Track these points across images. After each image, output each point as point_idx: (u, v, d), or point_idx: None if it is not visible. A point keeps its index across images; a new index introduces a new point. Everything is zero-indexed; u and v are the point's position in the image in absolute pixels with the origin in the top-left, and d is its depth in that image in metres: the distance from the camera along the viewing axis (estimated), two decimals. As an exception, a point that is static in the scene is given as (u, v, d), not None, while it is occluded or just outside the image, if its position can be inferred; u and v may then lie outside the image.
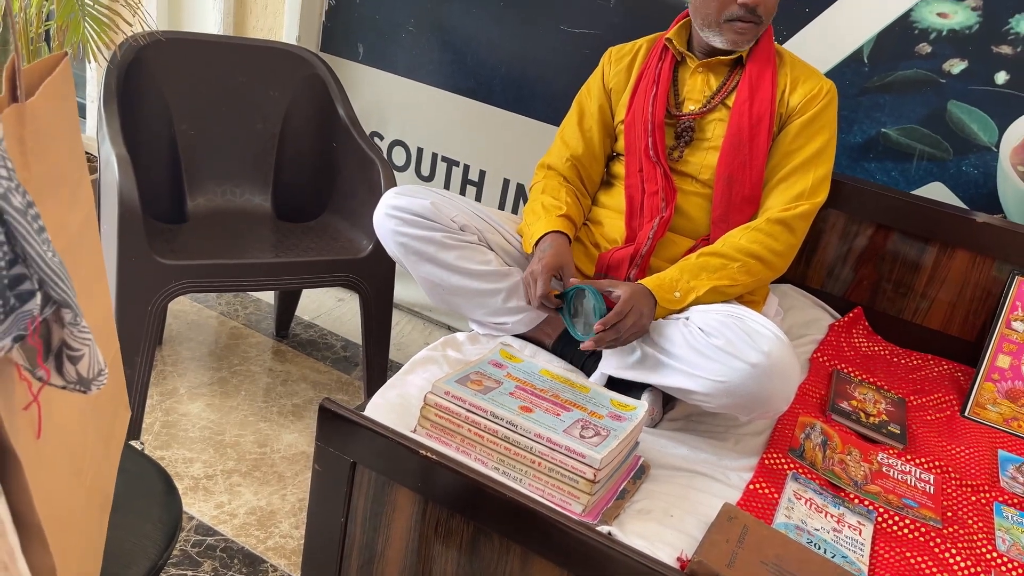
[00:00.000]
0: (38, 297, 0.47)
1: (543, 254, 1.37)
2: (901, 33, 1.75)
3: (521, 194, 2.27)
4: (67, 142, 0.63)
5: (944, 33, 1.72)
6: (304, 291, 2.36)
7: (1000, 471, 1.37)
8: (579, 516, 1.02)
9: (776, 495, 1.17)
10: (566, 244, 1.41)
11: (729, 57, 1.48)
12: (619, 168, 1.55)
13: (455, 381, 1.12)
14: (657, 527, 1.06)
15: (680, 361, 1.23)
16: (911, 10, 1.74)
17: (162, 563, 0.91)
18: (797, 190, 1.42)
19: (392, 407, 1.19)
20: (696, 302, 1.32)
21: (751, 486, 1.18)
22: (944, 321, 1.69)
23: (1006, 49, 1.68)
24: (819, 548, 1.08)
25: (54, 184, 0.60)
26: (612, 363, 1.32)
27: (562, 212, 1.46)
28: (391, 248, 1.44)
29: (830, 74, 1.83)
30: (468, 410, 1.08)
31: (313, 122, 2.06)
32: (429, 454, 1.02)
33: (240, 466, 1.77)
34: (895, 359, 1.67)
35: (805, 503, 1.16)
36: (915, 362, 1.66)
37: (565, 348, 1.44)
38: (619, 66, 1.58)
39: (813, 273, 1.78)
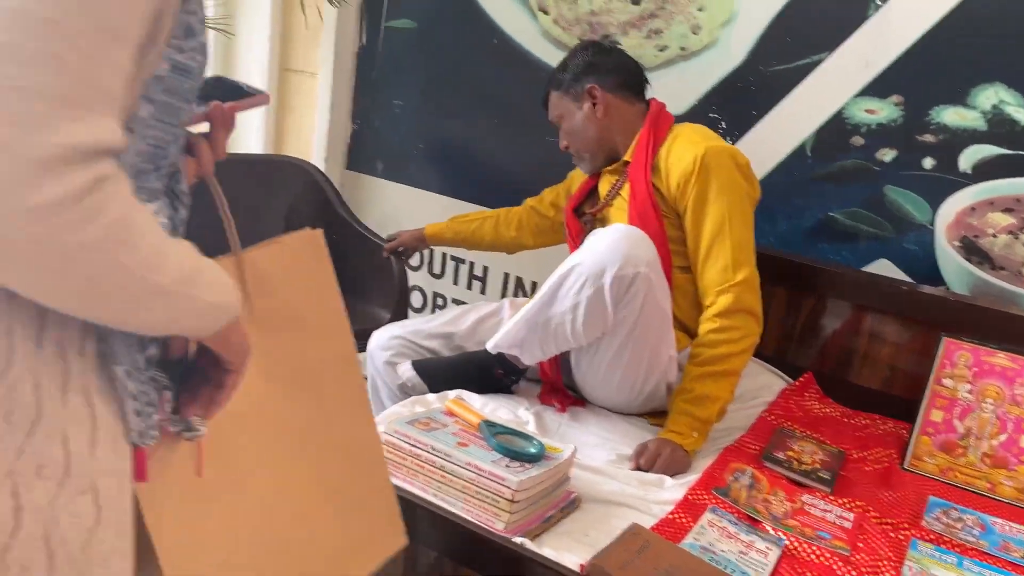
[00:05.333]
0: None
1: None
2: (836, 128, 1.97)
3: (520, 286, 2.50)
4: (301, 287, 0.85)
5: (874, 127, 1.93)
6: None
7: (926, 512, 1.47)
8: (500, 532, 1.19)
9: (691, 523, 1.31)
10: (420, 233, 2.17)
11: (615, 164, 1.82)
12: None
13: (405, 423, 1.32)
14: (570, 542, 1.21)
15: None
16: (843, 108, 1.96)
17: None
18: (721, 264, 1.63)
19: (358, 450, 1.39)
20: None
21: (669, 515, 1.32)
22: (886, 382, 1.82)
23: (929, 138, 1.87)
24: (720, 566, 1.21)
25: (285, 320, 0.82)
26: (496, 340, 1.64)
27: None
28: None
29: (780, 168, 2.05)
30: (412, 444, 1.28)
31: (312, 220, 2.37)
32: (377, 481, 1.22)
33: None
34: (845, 419, 1.79)
35: (717, 530, 1.30)
36: (863, 422, 1.78)
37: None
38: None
39: (765, 342, 1.94)
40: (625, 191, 1.77)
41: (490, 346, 1.62)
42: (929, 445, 1.64)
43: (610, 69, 1.81)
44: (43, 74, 0.48)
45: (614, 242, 1.48)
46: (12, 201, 0.47)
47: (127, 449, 0.64)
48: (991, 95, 1.80)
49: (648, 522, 1.31)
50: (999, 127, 1.80)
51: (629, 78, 1.83)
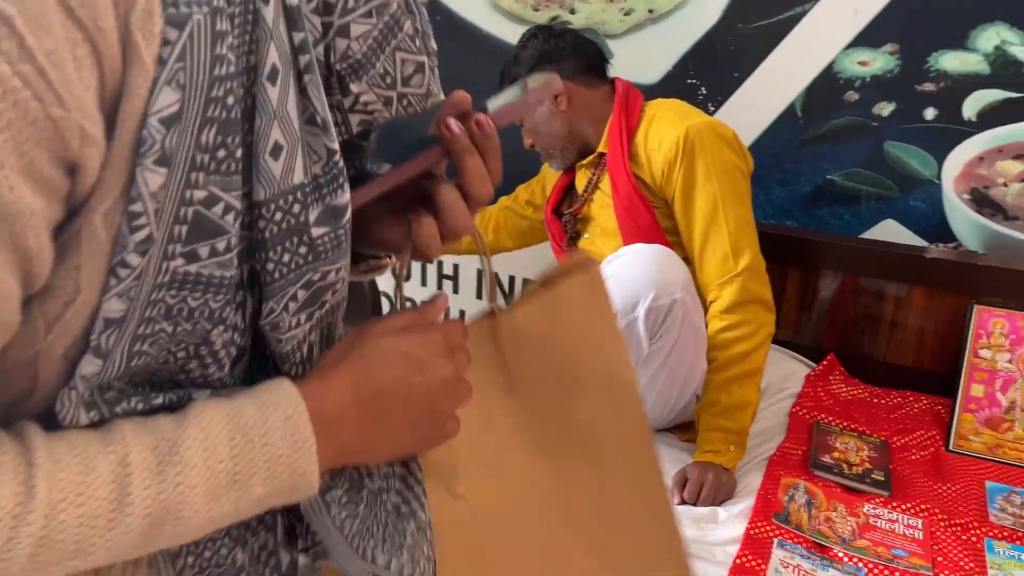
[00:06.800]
0: None
1: None
2: (828, 85, 1.82)
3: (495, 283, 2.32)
4: (578, 335, 0.66)
5: (868, 79, 1.79)
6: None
7: (988, 503, 1.38)
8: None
9: (763, 566, 1.18)
10: None
11: (590, 157, 1.66)
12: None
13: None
14: (645, 620, 1.07)
15: None
16: (832, 62, 1.81)
17: None
18: (720, 253, 1.48)
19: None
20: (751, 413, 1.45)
21: (737, 560, 1.19)
22: (915, 357, 1.71)
23: (929, 87, 1.74)
24: (809, 617, 1.09)
25: (543, 384, 0.66)
26: None
27: None
28: None
29: (769, 132, 1.90)
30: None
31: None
32: None
33: None
34: (875, 400, 1.69)
35: (793, 570, 1.18)
36: (895, 401, 1.68)
37: None
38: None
39: (781, 326, 1.81)
40: (605, 184, 1.62)
41: None
42: (973, 422, 1.55)
43: (566, 54, 1.63)
44: None
45: (642, 270, 1.31)
46: None
47: None
48: (992, 36, 1.67)
49: (716, 573, 1.17)
50: (1003, 69, 1.68)
51: (588, 61, 1.65)
